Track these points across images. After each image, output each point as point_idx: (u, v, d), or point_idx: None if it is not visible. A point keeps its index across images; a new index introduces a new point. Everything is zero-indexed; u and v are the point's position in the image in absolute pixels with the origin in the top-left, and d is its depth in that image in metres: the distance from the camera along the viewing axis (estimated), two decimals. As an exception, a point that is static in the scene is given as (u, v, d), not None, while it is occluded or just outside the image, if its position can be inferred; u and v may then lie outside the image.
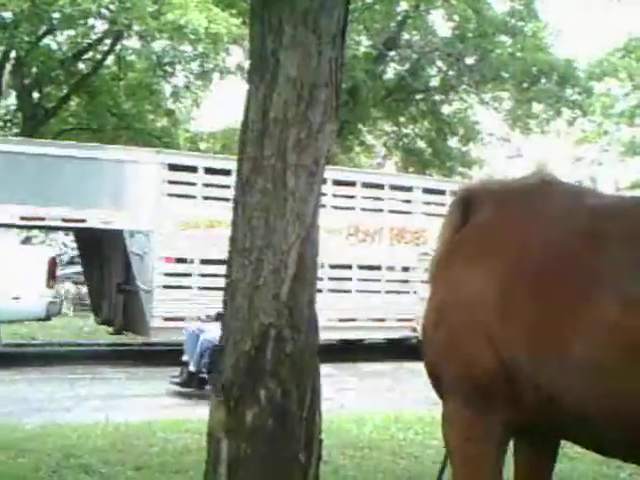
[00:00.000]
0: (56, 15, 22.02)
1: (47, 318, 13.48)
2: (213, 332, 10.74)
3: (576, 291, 3.02)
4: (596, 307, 2.93)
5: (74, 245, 20.46)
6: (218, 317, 11.08)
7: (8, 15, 21.75)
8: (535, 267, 3.19)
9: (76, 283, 18.96)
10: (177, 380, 11.11)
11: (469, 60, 27.21)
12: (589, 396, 2.93)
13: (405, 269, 15.97)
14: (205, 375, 10.84)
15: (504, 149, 30.65)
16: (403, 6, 27.06)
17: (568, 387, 2.99)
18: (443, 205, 16.00)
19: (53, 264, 13.42)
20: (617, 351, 2.86)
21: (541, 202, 3.39)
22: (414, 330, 15.12)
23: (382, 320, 15.22)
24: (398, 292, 15.57)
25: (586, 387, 2.94)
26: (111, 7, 21.18)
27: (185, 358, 11.28)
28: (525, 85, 26.08)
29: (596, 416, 2.95)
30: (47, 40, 25.16)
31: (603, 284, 2.96)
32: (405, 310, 15.17)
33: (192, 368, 10.98)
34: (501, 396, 3.19)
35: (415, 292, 15.25)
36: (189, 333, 11.61)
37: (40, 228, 19.43)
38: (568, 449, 5.57)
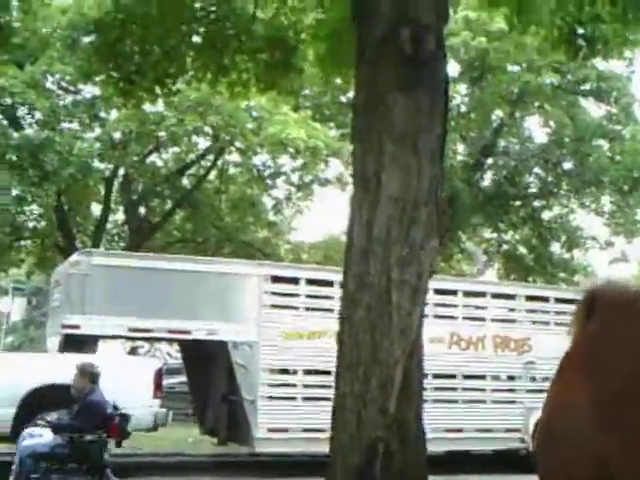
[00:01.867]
0: (162, 134, 23.02)
1: (154, 429, 13.62)
2: (38, 438, 10.27)
3: None
4: None
5: (177, 355, 20.80)
6: (50, 423, 10.43)
7: (117, 135, 22.83)
8: (634, 381, 3.15)
9: (178, 393, 19.18)
10: None
11: (567, 165, 27.12)
12: None
13: (510, 378, 15.70)
14: None
15: (607, 253, 30.12)
16: (499, 113, 27.33)
17: None
18: (547, 312, 15.79)
19: (159, 375, 13.61)
20: None
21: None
22: (522, 441, 14.75)
23: (489, 431, 14.87)
24: (504, 402, 15.25)
25: None
26: (214, 124, 22.00)
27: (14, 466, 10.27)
28: (625, 189, 25.73)
29: None
30: (153, 157, 26.24)
31: None
32: (512, 420, 14.88)
33: (11, 478, 9.99)
34: None
35: (522, 402, 15.01)
36: (21, 438, 10.68)
37: (147, 339, 19.84)
38: None
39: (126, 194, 26.09)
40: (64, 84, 22.94)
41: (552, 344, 14.51)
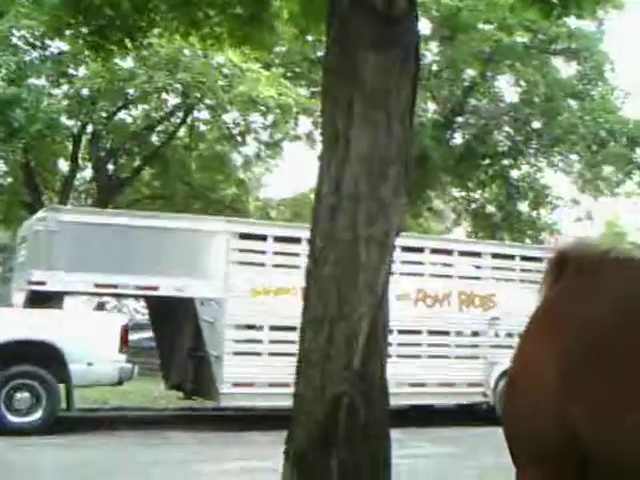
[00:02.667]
0: (131, 91, 22.82)
1: (119, 383, 13.71)
2: None
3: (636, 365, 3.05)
4: None
5: (145, 311, 20.82)
6: None
7: (85, 92, 22.58)
8: (598, 342, 3.21)
9: (145, 348, 19.28)
10: None
11: (537, 124, 27.21)
12: None
13: (475, 334, 15.90)
14: None
15: (574, 211, 30.36)
16: (470, 73, 27.31)
17: (633, 458, 2.99)
18: (513, 270, 15.97)
19: (126, 330, 13.65)
20: None
21: (610, 278, 3.41)
22: (484, 395, 15.01)
23: (452, 385, 15.07)
24: (468, 357, 15.42)
25: None
26: (183, 81, 21.82)
27: None
28: (594, 148, 25.92)
29: None
30: (122, 114, 26.01)
31: None
32: (475, 375, 15.09)
33: None
34: (568, 467, 3.17)
35: (485, 357, 15.24)
36: None
37: (113, 295, 19.83)
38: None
39: (94, 151, 25.87)
40: (31, 40, 22.58)
41: (517, 301, 14.74)
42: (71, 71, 23.10)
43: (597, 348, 3.15)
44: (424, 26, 23.68)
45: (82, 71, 22.64)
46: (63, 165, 27.26)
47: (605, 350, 3.13)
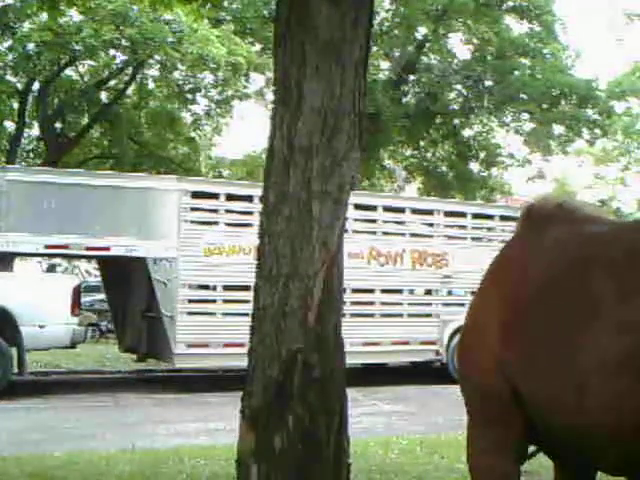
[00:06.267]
0: (78, 46, 22.34)
1: (72, 346, 13.58)
2: None
3: (566, 316, 3.11)
4: (585, 330, 3.02)
5: (97, 273, 20.61)
6: None
7: (31, 46, 22.05)
8: (532, 293, 3.27)
9: (97, 311, 19.14)
10: None
11: (488, 82, 27.27)
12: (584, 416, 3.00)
13: (427, 292, 16.01)
14: None
15: (525, 170, 30.60)
16: (422, 31, 27.22)
17: (561, 405, 3.05)
18: (464, 228, 16.08)
19: (78, 292, 13.51)
20: (609, 372, 2.92)
21: (549, 231, 3.47)
22: (437, 353, 15.15)
23: (405, 343, 15.19)
24: (421, 316, 15.54)
25: (576, 406, 3.00)
26: (131, 37, 21.40)
27: None
28: (545, 106, 26.08)
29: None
30: (69, 70, 25.51)
31: (592, 307, 3.03)
32: (428, 333, 15.22)
33: None
34: (510, 413, 3.30)
35: (438, 315, 15.36)
36: None
37: (64, 257, 19.61)
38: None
39: (41, 108, 25.35)
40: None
41: (469, 259, 14.85)
42: (15, 25, 22.49)
43: (530, 300, 3.24)
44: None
45: (27, 25, 22.07)
46: (9, 124, 26.71)
47: (537, 302, 3.21)
